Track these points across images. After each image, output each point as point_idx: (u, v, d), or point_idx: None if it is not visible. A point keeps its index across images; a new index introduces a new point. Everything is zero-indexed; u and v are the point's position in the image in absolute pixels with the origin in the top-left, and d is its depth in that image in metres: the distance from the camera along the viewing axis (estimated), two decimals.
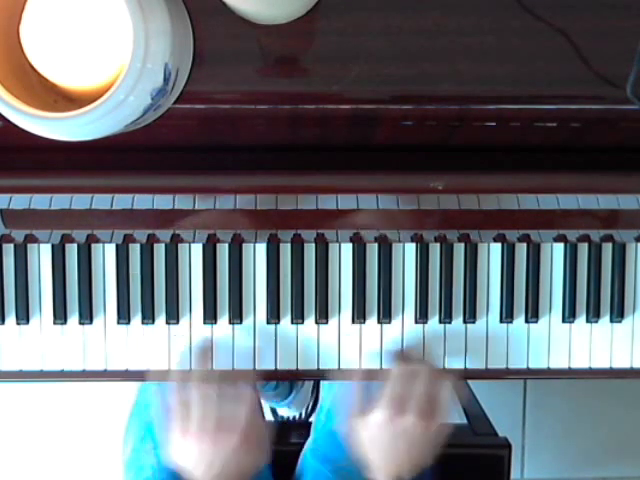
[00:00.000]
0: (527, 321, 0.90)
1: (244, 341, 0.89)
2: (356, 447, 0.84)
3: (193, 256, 0.88)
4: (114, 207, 0.78)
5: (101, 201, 0.77)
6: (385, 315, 0.89)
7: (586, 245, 0.89)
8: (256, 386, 0.86)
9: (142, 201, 0.77)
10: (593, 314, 0.90)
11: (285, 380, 1.45)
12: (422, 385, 0.82)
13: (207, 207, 0.80)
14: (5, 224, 0.81)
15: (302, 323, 0.89)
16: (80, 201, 0.76)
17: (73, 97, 0.61)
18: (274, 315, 0.88)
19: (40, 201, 0.76)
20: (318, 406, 1.09)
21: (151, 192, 0.75)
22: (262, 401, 1.11)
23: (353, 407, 0.85)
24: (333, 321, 0.89)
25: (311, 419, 1.54)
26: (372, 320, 0.89)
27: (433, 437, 0.83)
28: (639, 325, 0.91)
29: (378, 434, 0.83)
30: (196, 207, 0.79)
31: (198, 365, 0.85)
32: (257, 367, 0.88)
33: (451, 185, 0.73)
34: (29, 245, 0.87)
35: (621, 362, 0.91)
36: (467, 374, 0.91)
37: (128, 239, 0.86)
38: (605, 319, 0.90)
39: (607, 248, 0.90)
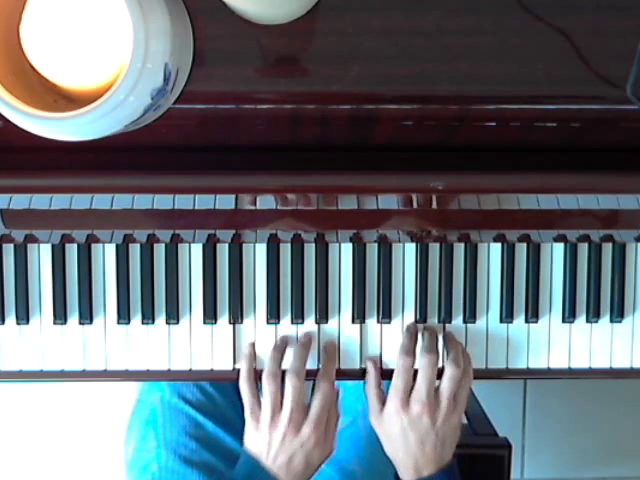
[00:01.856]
0: (527, 321, 0.90)
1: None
2: (381, 442, 0.86)
3: (193, 256, 0.88)
4: (114, 207, 0.78)
5: (101, 201, 0.77)
6: (385, 315, 0.89)
7: (586, 245, 0.89)
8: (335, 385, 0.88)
9: (142, 201, 0.77)
10: (593, 314, 0.90)
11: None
12: (423, 376, 0.83)
13: (207, 207, 0.80)
14: (5, 224, 0.81)
15: (302, 323, 0.89)
16: (80, 201, 0.76)
17: (73, 97, 0.61)
18: (274, 315, 0.88)
19: (40, 201, 0.76)
20: None
21: (151, 192, 0.75)
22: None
23: (371, 405, 0.86)
24: (333, 321, 0.89)
25: None
26: (372, 320, 0.89)
27: (445, 430, 0.83)
28: (639, 325, 0.91)
29: (390, 428, 0.84)
30: (196, 207, 0.79)
31: (296, 360, 0.86)
32: (258, 367, 0.88)
33: (451, 185, 0.73)
34: (29, 245, 0.87)
35: (621, 362, 0.91)
36: None
37: (128, 239, 0.86)
38: (605, 319, 0.90)
39: (607, 248, 0.90)
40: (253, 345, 0.88)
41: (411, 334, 0.87)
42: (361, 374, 0.90)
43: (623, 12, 0.69)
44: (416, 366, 0.85)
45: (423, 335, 0.88)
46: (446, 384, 0.84)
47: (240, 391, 0.86)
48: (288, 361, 0.86)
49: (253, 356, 0.88)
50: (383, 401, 0.86)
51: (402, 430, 0.83)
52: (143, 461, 0.97)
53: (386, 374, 0.88)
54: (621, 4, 0.69)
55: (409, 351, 0.86)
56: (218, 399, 0.99)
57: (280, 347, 0.87)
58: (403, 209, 0.81)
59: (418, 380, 0.84)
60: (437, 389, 0.84)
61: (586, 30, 0.69)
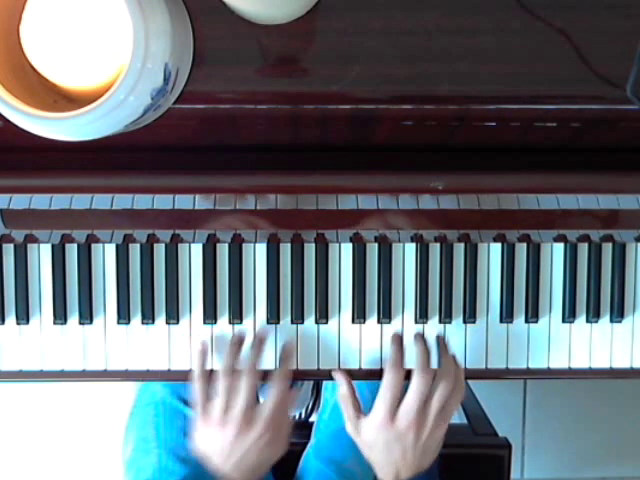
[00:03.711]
0: (527, 321, 0.90)
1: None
2: (360, 448, 0.86)
3: (193, 256, 0.88)
4: (114, 207, 0.78)
5: (101, 201, 0.77)
6: (385, 315, 0.89)
7: (586, 245, 0.89)
8: (290, 384, 0.87)
9: (142, 201, 0.77)
10: (593, 314, 0.90)
11: None
12: (414, 393, 0.82)
13: (207, 207, 0.80)
14: (5, 224, 0.81)
15: (302, 323, 0.89)
16: (80, 201, 0.76)
17: (73, 97, 0.61)
18: (274, 315, 0.88)
19: (40, 201, 0.76)
20: (320, 406, 1.09)
21: (151, 192, 0.75)
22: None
23: (347, 414, 0.86)
24: (333, 321, 0.89)
25: (311, 419, 1.53)
26: (372, 320, 0.89)
27: (429, 442, 0.83)
28: (639, 325, 0.91)
29: (374, 439, 0.84)
30: (196, 207, 0.79)
31: (251, 357, 0.85)
32: (257, 367, 0.88)
33: (451, 185, 0.73)
34: (29, 245, 0.87)
35: (621, 362, 0.91)
36: (467, 374, 0.91)
37: (128, 239, 0.86)
38: (605, 319, 0.90)
39: (607, 248, 0.90)
40: (205, 343, 0.88)
41: (399, 346, 0.87)
42: (363, 375, 0.90)
43: (623, 12, 0.69)
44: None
45: (417, 348, 0.86)
46: (436, 400, 0.83)
47: (193, 390, 0.85)
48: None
49: (205, 354, 0.87)
50: (359, 409, 0.85)
51: (386, 442, 0.83)
52: (141, 461, 0.97)
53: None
54: (621, 4, 0.69)
55: (398, 365, 0.85)
56: None
57: (237, 343, 0.87)
58: (404, 209, 0.81)
59: (409, 395, 0.82)
60: (425, 403, 0.83)
61: (586, 30, 0.69)
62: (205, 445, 0.84)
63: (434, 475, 0.86)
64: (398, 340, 0.87)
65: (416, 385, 0.83)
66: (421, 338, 0.88)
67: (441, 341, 0.88)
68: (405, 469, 0.83)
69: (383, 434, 0.83)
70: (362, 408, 0.86)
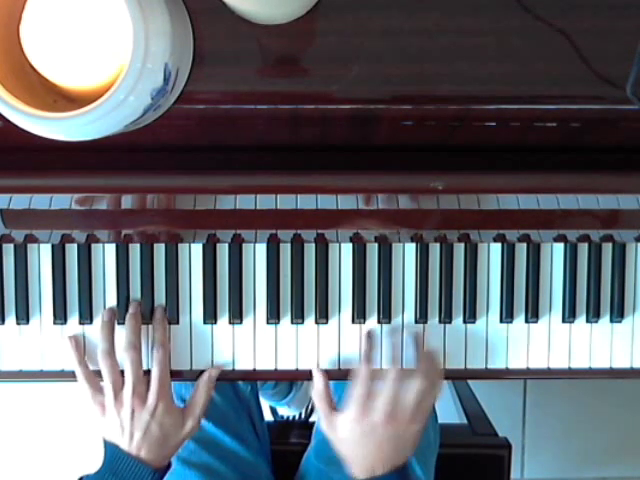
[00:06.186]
0: (527, 321, 0.90)
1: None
2: (333, 444, 0.86)
3: (193, 256, 0.88)
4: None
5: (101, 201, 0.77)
6: (385, 315, 0.89)
7: (586, 245, 0.89)
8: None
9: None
10: (593, 314, 0.90)
11: (285, 380, 1.45)
12: (387, 386, 0.83)
13: (207, 207, 0.80)
14: (5, 224, 0.81)
15: (302, 323, 0.89)
16: None
17: (73, 97, 0.61)
18: (274, 315, 0.88)
19: (40, 201, 0.76)
20: None
21: (151, 192, 0.75)
22: (261, 399, 1.12)
23: (322, 411, 0.86)
24: (333, 321, 0.89)
25: (311, 419, 1.54)
26: (372, 320, 0.89)
27: (405, 436, 0.83)
28: (639, 325, 0.91)
29: (348, 433, 0.84)
30: (196, 207, 0.79)
31: (128, 332, 0.85)
32: (257, 367, 0.89)
33: (451, 185, 0.73)
34: (29, 245, 0.87)
35: (621, 362, 0.91)
36: (467, 374, 0.91)
37: (128, 239, 0.86)
38: (605, 319, 0.90)
39: (607, 248, 0.90)
40: (75, 337, 0.88)
41: (373, 341, 0.88)
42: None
43: (623, 12, 0.69)
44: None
45: (391, 343, 0.87)
46: (412, 396, 0.83)
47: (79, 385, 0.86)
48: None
49: (79, 346, 0.87)
50: (333, 406, 0.85)
51: (361, 435, 0.82)
52: None
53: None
54: (621, 4, 0.69)
55: (370, 360, 0.86)
56: (217, 400, 0.99)
57: (108, 324, 0.86)
58: (404, 209, 0.81)
59: (383, 390, 0.83)
60: (400, 398, 0.83)
61: (586, 30, 0.69)
62: (108, 433, 0.84)
63: (407, 477, 0.86)
64: (372, 336, 0.88)
65: (389, 379, 0.83)
66: (394, 334, 0.88)
67: (418, 338, 0.88)
68: (381, 463, 0.83)
69: (358, 428, 0.83)
70: (335, 405, 0.86)
